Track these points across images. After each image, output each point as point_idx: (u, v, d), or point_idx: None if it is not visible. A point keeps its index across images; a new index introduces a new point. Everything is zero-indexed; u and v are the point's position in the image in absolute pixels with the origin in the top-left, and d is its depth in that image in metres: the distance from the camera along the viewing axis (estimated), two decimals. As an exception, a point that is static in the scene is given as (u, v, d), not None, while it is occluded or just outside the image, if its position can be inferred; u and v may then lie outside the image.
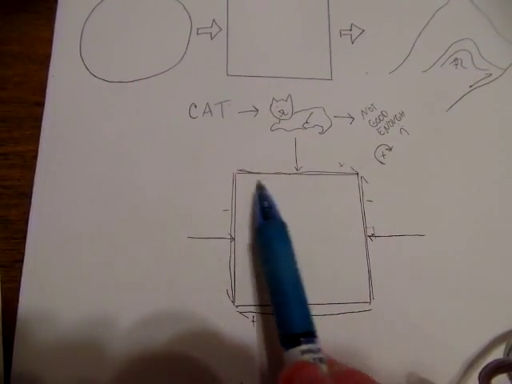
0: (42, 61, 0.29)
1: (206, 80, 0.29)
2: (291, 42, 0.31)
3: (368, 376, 0.20)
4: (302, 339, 0.21)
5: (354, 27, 0.32)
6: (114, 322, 0.24)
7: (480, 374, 0.24)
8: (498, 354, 0.26)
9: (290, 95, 0.30)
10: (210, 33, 0.31)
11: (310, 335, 0.22)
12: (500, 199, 0.29)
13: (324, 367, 0.21)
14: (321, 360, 0.21)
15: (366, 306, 0.26)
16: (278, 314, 0.23)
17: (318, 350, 0.21)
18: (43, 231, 0.25)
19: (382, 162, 0.29)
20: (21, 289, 0.24)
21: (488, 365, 0.24)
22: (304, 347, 0.21)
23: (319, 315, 0.25)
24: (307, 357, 0.21)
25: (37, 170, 0.27)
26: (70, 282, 0.25)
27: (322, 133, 0.29)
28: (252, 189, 0.27)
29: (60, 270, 0.25)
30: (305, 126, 0.29)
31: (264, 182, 0.27)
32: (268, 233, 0.25)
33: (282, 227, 0.25)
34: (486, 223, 0.28)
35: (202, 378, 0.24)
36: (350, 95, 0.30)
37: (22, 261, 0.25)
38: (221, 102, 0.29)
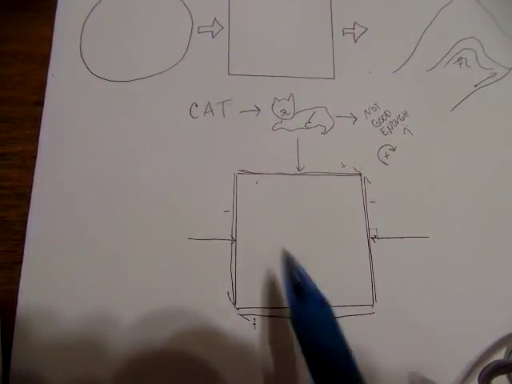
0: (42, 60, 0.29)
1: (207, 79, 0.29)
2: (293, 41, 0.31)
3: None
4: None
5: (356, 26, 0.32)
6: (114, 323, 0.24)
7: (480, 374, 0.24)
8: (499, 357, 0.26)
9: (292, 94, 0.30)
10: (212, 31, 0.30)
11: None
12: (505, 200, 0.29)
13: None
14: None
15: (369, 309, 0.26)
16: None
17: None
18: (42, 232, 0.25)
19: (385, 163, 0.29)
20: (19, 290, 0.24)
21: (488, 365, 0.24)
22: None
23: (321, 318, 0.25)
24: None
25: (36, 171, 0.26)
26: (69, 284, 0.25)
27: (324, 133, 0.29)
28: (253, 189, 0.27)
29: (59, 271, 0.25)
30: (307, 125, 0.29)
31: (263, 182, 0.27)
32: (307, 319, 0.21)
33: (322, 307, 0.21)
34: (490, 225, 0.28)
35: (202, 380, 0.24)
36: (352, 95, 0.30)
37: (21, 262, 0.25)
38: (222, 102, 0.29)
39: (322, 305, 0.21)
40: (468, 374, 0.25)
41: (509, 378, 0.24)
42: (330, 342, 0.20)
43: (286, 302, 0.23)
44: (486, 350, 0.26)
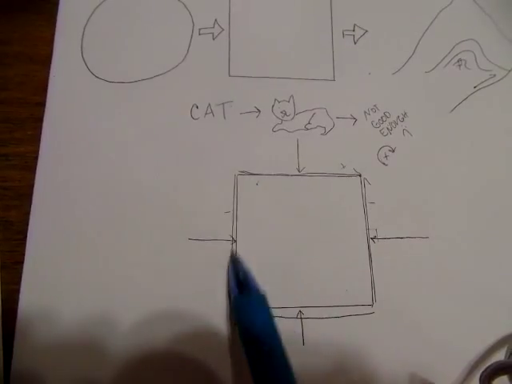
0: (44, 61, 0.29)
1: (207, 81, 0.29)
2: (293, 43, 0.31)
3: None
4: None
5: (356, 27, 0.32)
6: (114, 323, 0.24)
7: (481, 375, 0.24)
8: (499, 357, 0.26)
9: (292, 96, 0.30)
10: (212, 33, 0.30)
11: None
12: (504, 201, 0.29)
13: None
14: None
15: (369, 309, 0.26)
16: None
17: None
18: (44, 232, 0.25)
19: (384, 164, 0.29)
20: (21, 290, 0.24)
21: (489, 366, 0.24)
22: None
23: (321, 318, 0.25)
24: None
25: (38, 171, 0.26)
26: (70, 284, 0.25)
27: (324, 134, 0.29)
28: (254, 190, 0.27)
29: (60, 271, 0.25)
30: (307, 126, 0.29)
31: (263, 183, 0.27)
32: (246, 310, 0.23)
33: (260, 301, 0.23)
34: (490, 225, 0.28)
35: (201, 379, 0.24)
36: (352, 96, 0.30)
37: (22, 262, 0.25)
38: (223, 103, 0.29)
39: (262, 303, 0.23)
40: (468, 374, 0.25)
41: (510, 378, 0.24)
42: (265, 338, 0.22)
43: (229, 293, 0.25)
44: (486, 350, 0.26)
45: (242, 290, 0.23)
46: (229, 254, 0.26)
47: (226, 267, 0.26)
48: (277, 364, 0.21)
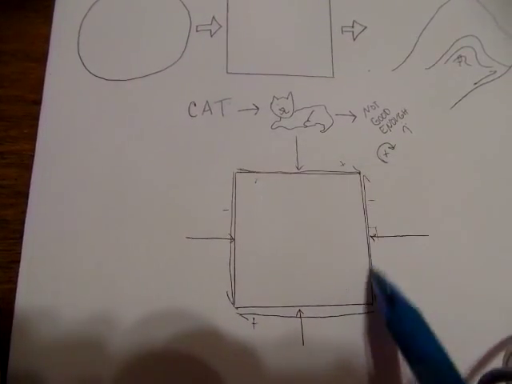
0: (40, 58, 0.28)
1: (205, 78, 0.29)
2: (292, 39, 0.31)
3: None
4: None
5: (355, 24, 0.31)
6: (112, 323, 0.24)
7: (479, 383, 0.23)
8: (497, 361, 0.25)
9: (290, 93, 0.29)
10: (210, 30, 0.30)
11: None
12: (505, 198, 0.29)
13: None
14: None
15: (369, 308, 0.26)
16: None
17: None
18: (40, 231, 0.25)
19: (384, 161, 0.29)
20: (17, 289, 0.24)
21: (486, 374, 0.23)
22: None
23: (321, 317, 0.25)
24: None
25: (34, 170, 0.26)
26: (67, 283, 0.25)
27: (323, 131, 0.29)
28: (252, 188, 0.27)
29: (57, 270, 0.25)
30: (306, 124, 0.29)
31: (262, 181, 0.27)
32: (402, 326, 0.23)
33: (415, 315, 0.23)
34: (490, 224, 0.28)
35: (201, 379, 0.24)
36: (351, 93, 0.30)
37: (18, 261, 0.25)
38: (221, 100, 0.29)
39: (411, 312, 0.23)
40: (466, 378, 0.25)
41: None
42: (422, 344, 0.22)
43: (380, 312, 0.25)
44: (484, 354, 0.25)
45: (393, 305, 0.23)
46: (368, 269, 0.26)
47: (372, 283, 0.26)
48: (449, 376, 0.21)
